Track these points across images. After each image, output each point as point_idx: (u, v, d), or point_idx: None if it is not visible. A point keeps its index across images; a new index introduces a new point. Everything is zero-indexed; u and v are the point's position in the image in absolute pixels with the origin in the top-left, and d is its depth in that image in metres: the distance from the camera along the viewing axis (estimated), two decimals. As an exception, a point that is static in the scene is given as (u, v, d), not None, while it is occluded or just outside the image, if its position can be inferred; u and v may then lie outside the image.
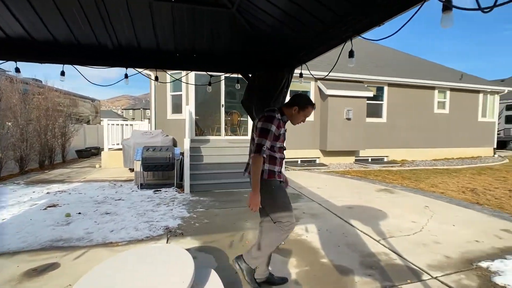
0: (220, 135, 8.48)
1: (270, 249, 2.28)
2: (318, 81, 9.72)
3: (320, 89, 9.70)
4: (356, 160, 10.55)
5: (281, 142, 2.22)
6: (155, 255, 1.90)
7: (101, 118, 17.63)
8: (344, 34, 2.06)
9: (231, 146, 7.30)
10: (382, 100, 10.91)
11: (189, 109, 6.59)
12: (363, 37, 1.97)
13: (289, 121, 2.30)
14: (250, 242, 3.39)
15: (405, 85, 10.99)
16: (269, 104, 2.91)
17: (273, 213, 2.21)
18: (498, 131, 13.81)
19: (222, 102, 8.39)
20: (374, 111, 10.79)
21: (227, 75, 3.57)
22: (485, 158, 12.09)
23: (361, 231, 3.76)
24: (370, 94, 9.96)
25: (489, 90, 12.53)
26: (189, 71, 3.92)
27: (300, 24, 2.34)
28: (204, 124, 8.79)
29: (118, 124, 8.52)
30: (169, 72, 7.73)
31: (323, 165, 9.55)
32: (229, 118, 8.82)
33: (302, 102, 2.26)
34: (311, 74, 3.18)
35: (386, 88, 10.87)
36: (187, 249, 3.22)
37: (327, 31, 2.25)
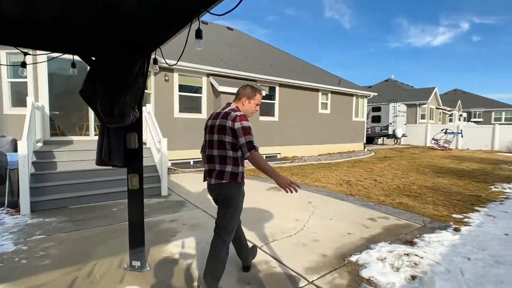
0: (88, 134, 7.06)
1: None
2: (211, 77, 9.38)
3: (212, 86, 9.38)
4: (251, 159, 10.73)
5: None
6: None
7: None
8: (192, 10, 1.69)
9: (102, 148, 6.10)
10: (274, 100, 11.47)
11: (32, 101, 5.07)
12: (211, 13, 1.66)
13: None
14: (102, 276, 2.64)
15: (295, 86, 11.88)
16: (120, 97, 2.29)
17: (230, 218, 2.24)
18: (366, 129, 16.71)
19: (91, 94, 6.98)
20: (267, 110, 11.23)
21: (56, 55, 2.69)
22: (358, 152, 14.37)
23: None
24: (263, 93, 10.27)
25: (360, 94, 14.95)
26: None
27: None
28: (66, 122, 7.16)
29: None
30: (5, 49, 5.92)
31: (218, 165, 9.29)
32: (102, 115, 7.45)
33: (249, 91, 2.32)
34: (166, 63, 2.69)
35: (277, 88, 11.48)
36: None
37: (176, 7, 1.81)
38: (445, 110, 30.57)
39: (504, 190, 6.53)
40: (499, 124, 19.28)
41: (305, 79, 12.31)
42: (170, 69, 8.69)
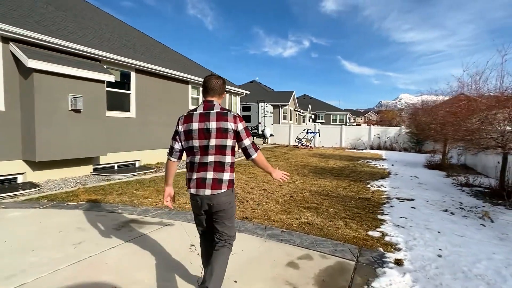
0: None
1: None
2: (13, 44, 5.92)
3: (15, 58, 5.95)
4: (95, 169, 7.78)
5: None
6: None
7: None
8: None
9: None
10: (129, 89, 8.85)
11: None
12: None
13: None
14: None
15: (159, 74, 9.62)
16: None
17: (232, 224, 2.19)
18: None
19: None
20: (119, 102, 8.52)
21: None
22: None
23: None
24: (111, 78, 7.55)
25: (233, 91, 14.12)
26: None
27: None
28: None
29: None
30: None
31: (33, 186, 5.95)
32: None
33: (224, 85, 2.24)
34: None
35: (134, 75, 8.93)
36: None
37: None
38: (300, 112, 34.98)
39: (380, 189, 6.75)
40: (343, 125, 23.09)
41: (172, 67, 10.23)
42: None
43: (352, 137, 19.60)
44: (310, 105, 41.72)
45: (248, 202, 5.19)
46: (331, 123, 46.50)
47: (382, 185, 7.14)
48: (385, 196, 6.09)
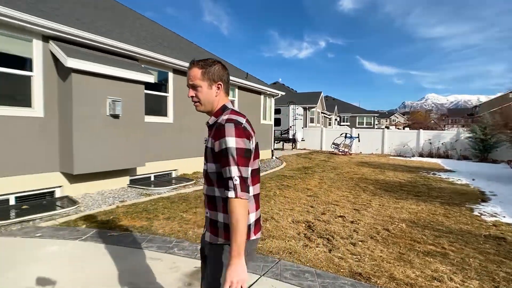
0: None
1: None
2: (53, 43, 5.14)
3: (54, 58, 5.16)
4: (132, 181, 6.92)
5: None
6: None
7: None
8: None
9: None
10: (166, 92, 7.99)
11: None
12: None
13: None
14: None
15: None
16: None
17: None
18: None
19: None
20: (155, 106, 7.66)
21: None
22: (268, 162, 12.39)
23: None
24: (151, 78, 6.67)
25: (269, 92, 13.09)
26: None
27: None
28: None
29: None
30: None
31: (70, 202, 5.09)
32: None
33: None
34: None
35: (171, 76, 8.07)
36: None
37: None
38: (326, 114, 33.52)
39: (498, 219, 5.19)
40: (385, 128, 21.50)
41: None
42: None
43: (396, 142, 17.99)
44: (336, 107, 40.09)
45: (335, 239, 4.03)
46: (357, 125, 44.60)
47: (494, 213, 5.59)
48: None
